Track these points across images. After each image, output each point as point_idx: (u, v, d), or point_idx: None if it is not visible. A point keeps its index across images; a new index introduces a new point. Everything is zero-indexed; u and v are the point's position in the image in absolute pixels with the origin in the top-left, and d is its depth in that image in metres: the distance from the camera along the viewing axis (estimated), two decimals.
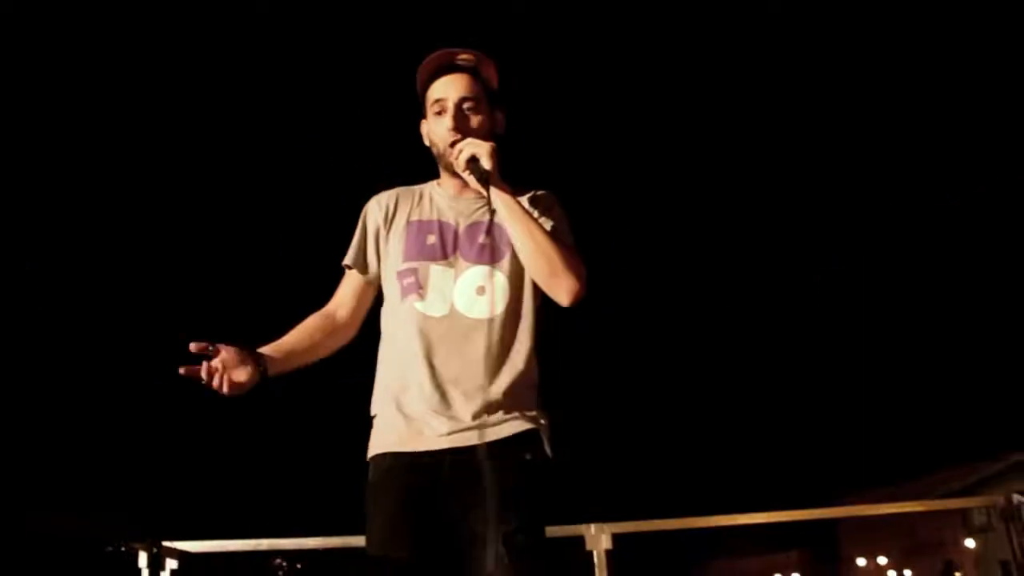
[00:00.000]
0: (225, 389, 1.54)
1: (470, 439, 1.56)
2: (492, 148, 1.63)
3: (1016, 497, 2.65)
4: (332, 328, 1.74)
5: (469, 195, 1.73)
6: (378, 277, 1.74)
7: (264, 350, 1.63)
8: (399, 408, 1.61)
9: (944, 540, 19.43)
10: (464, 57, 1.71)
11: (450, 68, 1.70)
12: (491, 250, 1.67)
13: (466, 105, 1.69)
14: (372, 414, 1.67)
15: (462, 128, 1.66)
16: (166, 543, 2.42)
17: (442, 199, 1.75)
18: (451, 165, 1.69)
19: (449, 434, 1.56)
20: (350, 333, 1.75)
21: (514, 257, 1.64)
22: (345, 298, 1.78)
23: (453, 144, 1.66)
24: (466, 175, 1.65)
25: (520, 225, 1.63)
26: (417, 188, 1.80)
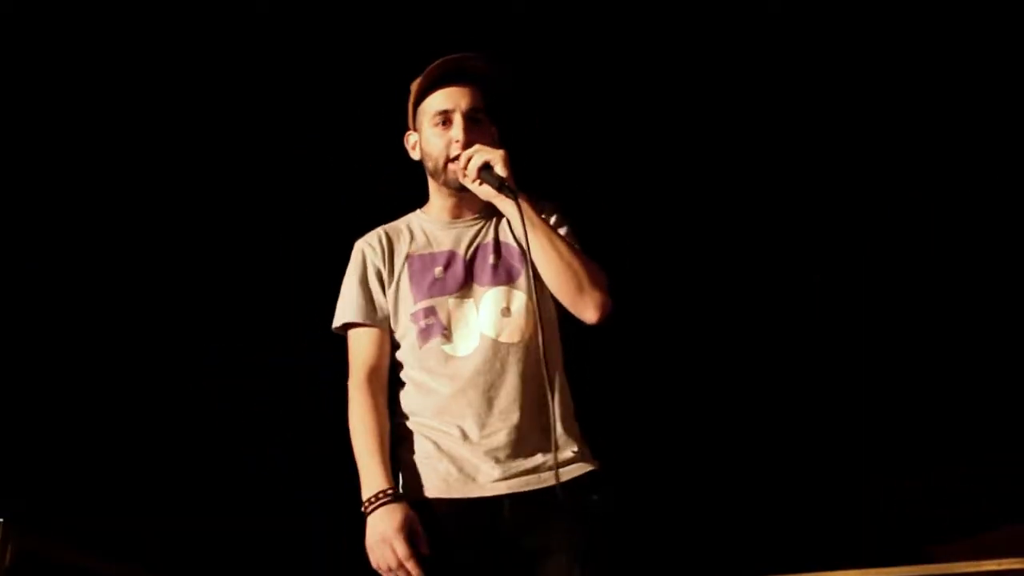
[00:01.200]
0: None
1: (529, 483, 1.40)
2: (505, 155, 1.48)
3: None
4: (385, 405, 1.54)
5: (466, 217, 1.60)
6: (388, 320, 1.56)
7: (389, 481, 1.45)
8: (442, 451, 1.44)
9: None
10: (472, 64, 1.56)
11: (454, 78, 1.55)
12: (505, 270, 1.53)
13: (476, 117, 1.55)
14: (400, 460, 1.49)
15: (474, 141, 1.52)
16: None
17: (435, 227, 1.61)
18: (450, 180, 1.55)
19: (506, 478, 1.40)
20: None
21: (530, 274, 1.48)
22: (370, 360, 1.55)
23: (454, 158, 1.52)
24: (475, 186, 1.50)
25: (544, 238, 1.48)
26: (401, 223, 1.65)
